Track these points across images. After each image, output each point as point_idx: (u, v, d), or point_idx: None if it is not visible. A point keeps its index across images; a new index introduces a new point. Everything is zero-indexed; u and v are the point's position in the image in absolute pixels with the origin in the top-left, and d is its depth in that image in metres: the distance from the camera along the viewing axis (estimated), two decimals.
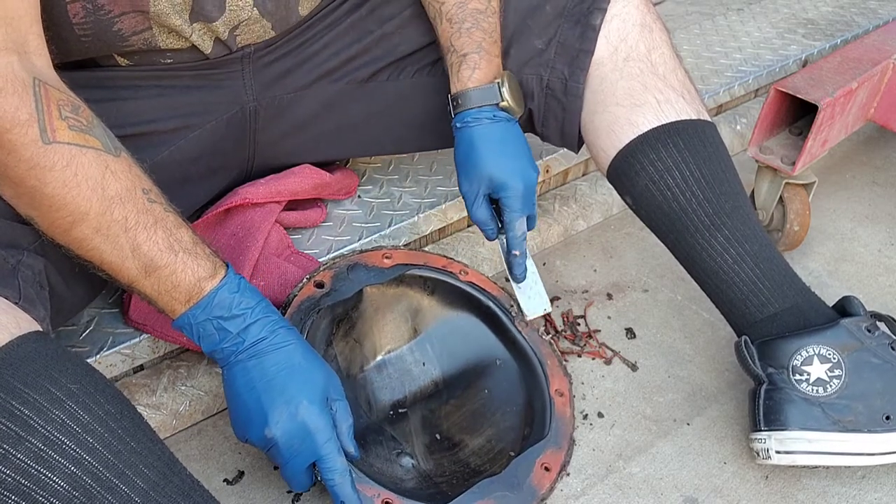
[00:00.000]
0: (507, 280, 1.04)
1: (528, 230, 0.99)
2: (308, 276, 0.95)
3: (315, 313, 0.92)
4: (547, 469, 0.92)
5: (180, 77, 0.91)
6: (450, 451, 0.97)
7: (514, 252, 0.98)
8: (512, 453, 0.95)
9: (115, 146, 0.73)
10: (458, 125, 0.96)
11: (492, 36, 0.96)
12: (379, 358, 1.02)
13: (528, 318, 1.03)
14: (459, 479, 0.92)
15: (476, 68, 0.94)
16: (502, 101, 0.95)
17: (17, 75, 0.67)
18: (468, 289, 1.03)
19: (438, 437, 0.98)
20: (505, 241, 0.99)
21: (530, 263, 1.03)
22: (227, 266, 0.79)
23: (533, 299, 1.03)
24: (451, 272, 1.03)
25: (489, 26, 0.96)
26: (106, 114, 0.76)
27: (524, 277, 1.02)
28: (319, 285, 0.95)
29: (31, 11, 0.70)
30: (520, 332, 1.02)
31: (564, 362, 1.05)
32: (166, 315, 0.78)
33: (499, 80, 0.95)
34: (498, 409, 1.01)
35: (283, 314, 0.83)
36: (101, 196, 0.70)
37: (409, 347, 1.03)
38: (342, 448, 0.80)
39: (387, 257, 1.01)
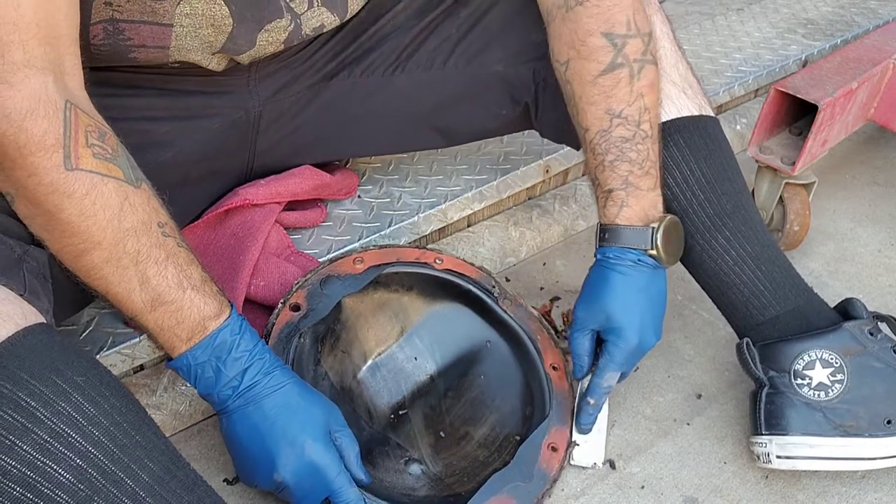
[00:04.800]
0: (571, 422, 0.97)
1: (617, 383, 0.94)
2: (282, 301, 0.93)
3: (297, 338, 0.90)
4: (554, 449, 0.92)
5: (186, 81, 0.91)
6: (456, 446, 0.97)
7: (588, 399, 0.93)
8: (517, 437, 0.95)
9: (136, 177, 0.73)
10: (598, 256, 0.91)
11: (642, 167, 0.88)
12: (370, 362, 1.01)
13: (572, 462, 0.95)
14: (470, 476, 0.92)
15: (623, 206, 0.88)
16: (651, 248, 0.88)
17: (51, 97, 0.66)
18: (446, 276, 1.01)
19: (443, 435, 0.98)
20: (585, 383, 0.94)
21: (601, 416, 0.96)
22: (231, 306, 0.78)
23: (587, 449, 0.96)
24: (425, 263, 1.01)
25: (637, 156, 0.88)
26: (110, 109, 0.76)
27: (588, 430, 0.95)
28: (295, 308, 0.92)
29: (72, 32, 0.70)
30: (505, 312, 1.01)
31: (557, 337, 1.04)
32: (165, 352, 0.77)
33: (654, 225, 0.88)
34: (497, 393, 1.00)
35: (266, 343, 0.83)
36: (116, 227, 0.70)
37: (398, 345, 1.02)
38: (352, 477, 0.80)
39: (358, 261, 0.98)
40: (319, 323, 0.94)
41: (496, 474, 0.88)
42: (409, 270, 1.00)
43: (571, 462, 0.95)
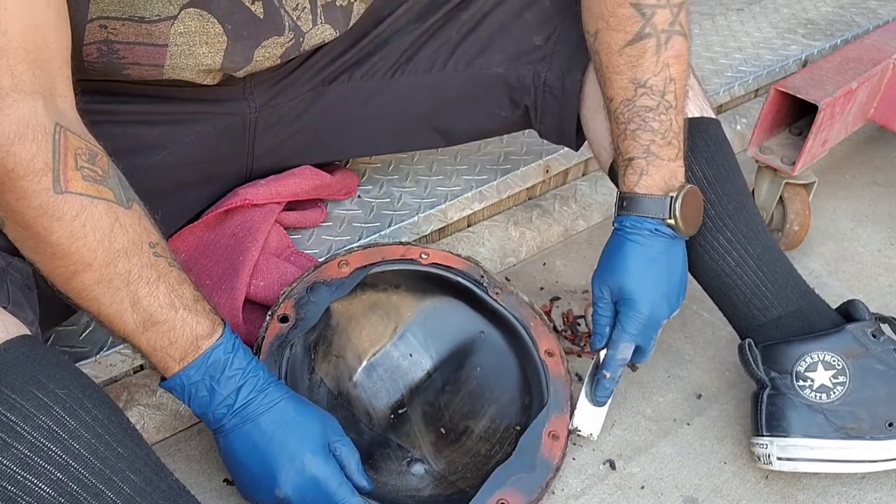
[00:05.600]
0: (580, 388, 0.96)
1: (636, 362, 0.93)
2: (270, 313, 0.91)
3: (288, 349, 0.89)
4: (555, 437, 0.92)
5: (181, 90, 0.91)
6: (457, 442, 0.97)
7: (605, 372, 0.91)
8: (517, 427, 0.95)
9: (127, 197, 0.72)
10: (615, 225, 0.91)
11: (664, 137, 0.87)
12: (365, 364, 1.00)
13: (571, 426, 0.94)
14: (473, 471, 0.92)
15: (643, 174, 0.88)
16: (669, 217, 0.87)
17: (40, 121, 0.66)
18: (433, 270, 1.00)
19: (443, 431, 0.98)
20: (601, 356, 0.93)
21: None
22: (224, 324, 0.78)
23: (589, 418, 0.94)
24: (411, 259, 1.00)
25: (660, 126, 0.87)
26: (100, 114, 0.76)
27: (604, 403, 0.94)
28: (284, 319, 0.91)
29: (63, 53, 0.69)
30: (496, 301, 1.00)
31: (550, 323, 1.03)
32: (158, 372, 0.77)
33: (673, 195, 0.87)
34: (494, 384, 1.00)
35: (257, 358, 0.82)
36: (106, 248, 0.69)
37: (392, 344, 1.02)
38: (355, 485, 0.80)
39: (343, 264, 0.97)
40: (310, 331, 0.93)
41: (499, 468, 0.88)
42: (395, 268, 0.99)
43: (571, 426, 0.93)
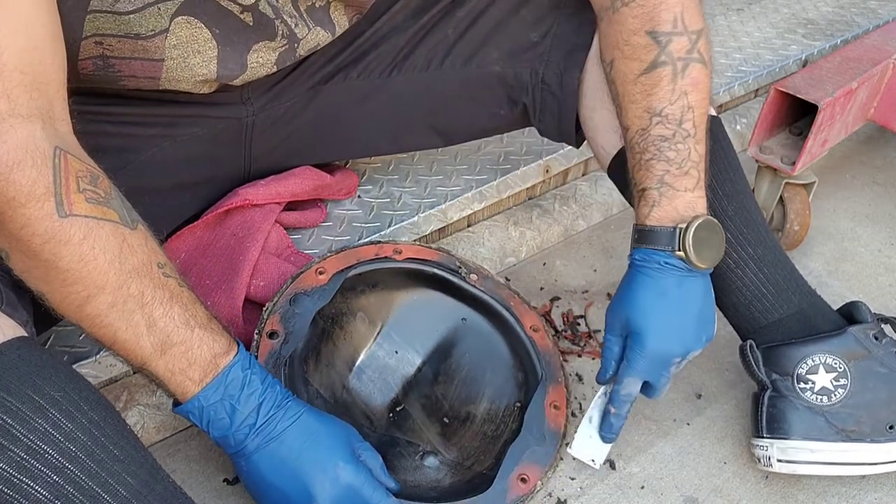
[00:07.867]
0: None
1: (648, 397, 0.89)
2: (257, 331, 0.91)
3: (283, 366, 0.88)
4: (556, 407, 0.94)
5: (178, 94, 0.90)
6: (462, 428, 0.98)
7: (610, 407, 0.88)
8: (518, 404, 0.96)
9: (131, 218, 0.71)
10: (629, 258, 0.88)
11: (681, 167, 0.84)
12: (354, 368, 1.00)
13: (569, 451, 0.91)
14: (485, 453, 0.94)
15: (655, 206, 0.84)
16: (678, 249, 0.83)
17: (39, 146, 0.65)
18: (409, 265, 1.01)
19: (447, 420, 0.99)
20: (607, 390, 0.90)
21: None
22: (239, 342, 0.77)
23: (591, 445, 0.90)
24: (386, 257, 1.00)
25: (676, 155, 0.83)
26: (94, 115, 0.75)
27: (613, 439, 0.90)
28: (273, 335, 0.90)
29: (60, 75, 0.68)
30: (474, 286, 1.01)
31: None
32: (175, 399, 0.75)
33: (682, 226, 0.83)
34: (486, 367, 1.02)
35: None
36: (118, 270, 0.68)
37: (376, 344, 1.02)
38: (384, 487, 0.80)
39: (320, 272, 0.97)
40: (298, 343, 0.93)
41: (512, 445, 0.90)
42: (370, 269, 1.00)
43: (569, 451, 0.91)
